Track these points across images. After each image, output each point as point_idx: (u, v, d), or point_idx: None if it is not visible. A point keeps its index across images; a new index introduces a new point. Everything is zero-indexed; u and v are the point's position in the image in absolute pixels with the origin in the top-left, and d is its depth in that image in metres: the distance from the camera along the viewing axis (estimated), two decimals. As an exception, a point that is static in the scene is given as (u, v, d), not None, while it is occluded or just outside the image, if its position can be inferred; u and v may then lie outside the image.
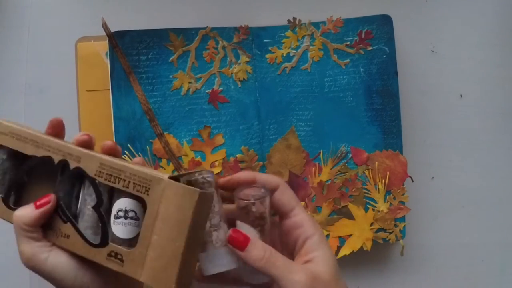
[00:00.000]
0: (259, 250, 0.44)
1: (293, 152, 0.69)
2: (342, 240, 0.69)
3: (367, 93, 0.69)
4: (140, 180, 0.42)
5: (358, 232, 0.69)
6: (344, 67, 0.69)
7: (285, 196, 0.47)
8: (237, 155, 0.68)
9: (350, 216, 0.69)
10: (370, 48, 0.69)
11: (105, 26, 0.64)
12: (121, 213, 0.43)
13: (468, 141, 0.74)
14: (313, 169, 0.69)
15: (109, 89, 0.65)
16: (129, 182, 0.42)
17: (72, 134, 0.68)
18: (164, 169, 0.66)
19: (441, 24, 0.72)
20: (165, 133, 0.66)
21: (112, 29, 0.65)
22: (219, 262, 0.45)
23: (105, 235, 0.43)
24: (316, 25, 0.69)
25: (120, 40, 0.65)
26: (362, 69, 0.69)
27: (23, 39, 0.71)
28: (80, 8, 0.71)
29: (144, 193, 0.42)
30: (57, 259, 0.43)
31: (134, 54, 0.66)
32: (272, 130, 0.69)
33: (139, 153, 0.66)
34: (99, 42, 0.67)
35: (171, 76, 0.67)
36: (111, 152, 0.46)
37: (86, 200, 0.44)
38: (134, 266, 0.41)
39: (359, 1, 0.72)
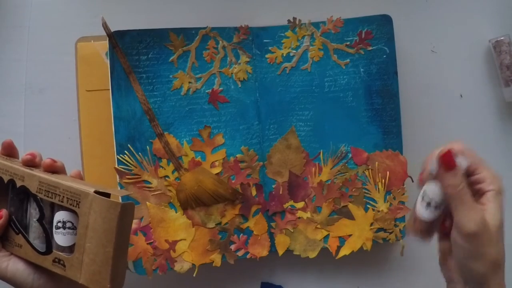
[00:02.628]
0: (457, 179, 0.47)
1: (293, 152, 0.69)
2: (342, 240, 0.69)
3: (367, 93, 0.69)
4: (71, 194, 0.48)
5: (358, 232, 0.69)
6: (344, 67, 0.69)
7: (471, 156, 0.50)
8: (237, 155, 0.68)
9: (350, 216, 0.69)
10: (370, 48, 0.69)
11: (105, 26, 0.64)
12: (60, 224, 0.49)
13: (468, 141, 0.74)
14: (313, 169, 0.69)
15: (109, 89, 0.65)
16: (63, 196, 0.49)
17: (72, 134, 0.68)
18: (164, 169, 0.66)
19: (441, 24, 0.72)
20: (165, 133, 0.66)
21: (112, 29, 0.65)
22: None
23: (49, 244, 0.50)
24: (316, 25, 0.69)
25: (120, 40, 0.65)
26: (362, 69, 0.69)
27: (23, 39, 0.71)
28: (80, 8, 0.71)
29: (75, 206, 0.48)
30: (15, 266, 0.51)
31: (134, 54, 0.66)
32: (272, 130, 0.69)
33: (139, 153, 0.66)
34: (99, 42, 0.67)
35: (171, 76, 0.67)
36: (51, 169, 0.52)
37: (32, 214, 0.51)
38: (74, 270, 0.48)
39: (359, 1, 0.72)
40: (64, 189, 0.49)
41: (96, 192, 0.48)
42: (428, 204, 0.50)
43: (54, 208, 0.50)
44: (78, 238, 0.48)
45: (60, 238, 0.50)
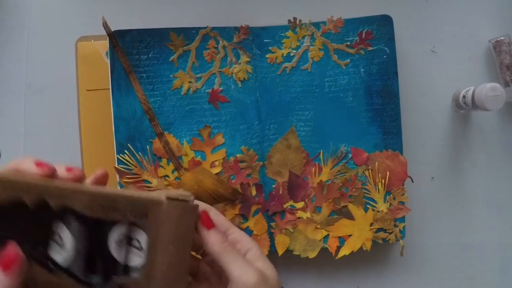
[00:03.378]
0: (219, 237, 0.45)
1: (293, 152, 0.69)
2: (342, 240, 0.69)
3: (367, 93, 0.69)
4: (136, 206, 0.40)
5: (358, 232, 0.69)
6: (344, 67, 0.69)
7: (220, 218, 0.48)
8: (237, 155, 0.68)
9: (350, 216, 0.69)
10: (370, 48, 0.69)
11: (105, 25, 0.64)
12: (123, 242, 0.40)
13: (468, 141, 0.74)
14: (313, 169, 0.69)
15: (109, 89, 0.65)
16: (125, 210, 0.40)
17: (72, 134, 0.68)
18: (164, 168, 0.66)
19: (441, 24, 0.72)
20: (165, 132, 0.66)
21: (113, 28, 0.65)
22: None
23: (107, 271, 0.40)
24: (316, 25, 0.69)
25: (121, 40, 0.65)
26: (362, 69, 0.69)
27: (23, 39, 0.71)
28: (80, 8, 0.71)
29: (142, 219, 0.40)
30: None
31: (135, 53, 0.66)
32: (272, 130, 0.69)
33: (139, 153, 0.66)
34: (99, 42, 0.67)
35: (171, 76, 0.67)
36: (101, 182, 0.45)
37: (77, 240, 0.40)
38: None
39: (360, 1, 0.72)
40: (127, 200, 0.40)
41: (169, 198, 0.40)
42: None
43: (104, 226, 0.40)
44: (148, 253, 0.40)
45: (127, 257, 0.41)
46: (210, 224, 0.46)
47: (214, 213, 0.48)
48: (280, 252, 0.68)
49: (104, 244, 0.40)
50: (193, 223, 0.42)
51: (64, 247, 0.39)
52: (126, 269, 0.40)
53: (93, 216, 0.39)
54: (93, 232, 0.40)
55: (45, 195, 0.39)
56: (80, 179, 0.42)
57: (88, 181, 0.44)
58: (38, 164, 0.40)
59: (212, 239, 0.45)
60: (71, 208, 0.39)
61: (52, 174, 0.40)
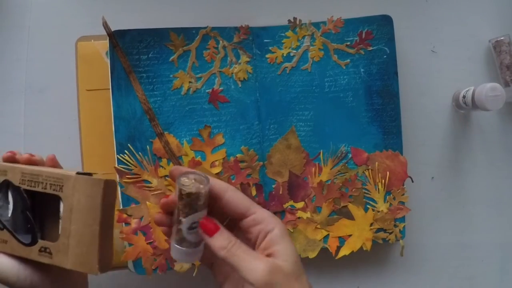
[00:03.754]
0: (224, 240, 0.46)
1: (293, 152, 0.69)
2: (342, 240, 0.69)
3: (367, 93, 0.69)
4: (54, 180, 0.49)
5: (358, 232, 0.69)
6: (344, 67, 0.69)
7: (238, 195, 0.48)
8: (237, 155, 0.68)
9: (350, 216, 0.69)
10: (370, 48, 0.69)
11: (105, 25, 0.64)
12: (195, 225, 0.47)
13: (468, 141, 0.74)
14: (313, 169, 0.69)
15: (109, 89, 0.65)
16: (46, 183, 0.50)
17: (72, 134, 0.68)
18: (164, 168, 0.66)
19: (441, 24, 0.72)
20: (165, 132, 0.66)
21: (113, 28, 0.65)
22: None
23: (34, 234, 0.50)
24: (316, 25, 0.69)
25: (121, 39, 0.65)
26: (362, 69, 0.69)
27: (23, 39, 0.71)
28: (80, 8, 0.71)
29: (59, 191, 0.49)
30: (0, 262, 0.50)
31: (135, 53, 0.66)
32: (272, 130, 0.69)
33: (139, 153, 0.66)
34: (99, 41, 0.67)
35: (171, 76, 0.67)
36: (30, 162, 0.53)
37: (15, 206, 0.51)
38: (60, 257, 0.48)
39: (360, 1, 0.72)
40: (46, 176, 0.50)
41: (78, 173, 0.49)
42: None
43: (35, 197, 0.51)
44: (63, 222, 0.48)
45: (194, 237, 0.47)
46: (211, 231, 0.46)
47: (231, 193, 0.47)
48: (280, 252, 0.68)
49: (37, 211, 0.51)
50: (104, 198, 0.48)
51: (7, 211, 0.51)
52: (49, 234, 0.51)
53: (24, 188, 0.50)
54: (27, 201, 0.51)
55: None
56: (35, 162, 0.54)
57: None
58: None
59: (217, 246, 0.45)
60: (10, 181, 0.51)
61: (13, 158, 0.53)
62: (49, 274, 0.51)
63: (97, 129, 0.67)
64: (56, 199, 0.50)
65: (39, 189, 0.50)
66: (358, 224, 0.69)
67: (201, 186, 0.46)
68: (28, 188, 0.50)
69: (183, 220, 0.46)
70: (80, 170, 0.51)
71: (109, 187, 0.49)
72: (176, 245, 0.47)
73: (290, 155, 0.69)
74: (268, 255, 0.46)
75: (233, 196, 0.47)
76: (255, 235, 0.47)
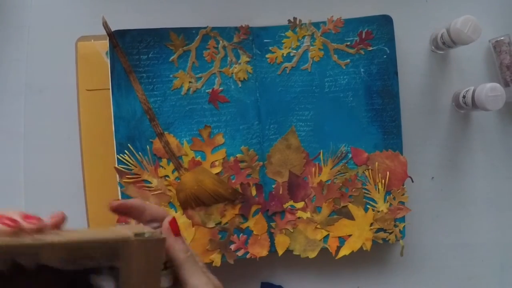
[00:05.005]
0: (186, 244, 0.45)
1: (293, 152, 0.69)
2: (342, 240, 0.69)
3: (367, 93, 0.69)
4: (105, 249, 0.37)
5: (358, 232, 0.69)
6: (344, 67, 0.69)
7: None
8: (237, 155, 0.68)
9: (350, 216, 0.69)
10: (370, 48, 0.69)
11: (105, 25, 0.64)
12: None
13: (468, 141, 0.74)
14: (313, 169, 0.69)
15: (109, 89, 0.65)
16: (97, 257, 0.37)
17: (72, 134, 0.68)
18: (164, 168, 0.66)
19: (441, 24, 0.72)
20: (165, 132, 0.66)
21: (113, 28, 0.65)
22: None
23: None
24: (316, 25, 0.69)
25: (121, 39, 0.65)
26: (362, 69, 0.69)
27: (23, 39, 0.71)
28: (80, 8, 0.71)
29: (114, 261, 0.38)
30: None
31: (135, 53, 0.66)
32: (272, 130, 0.69)
33: (139, 153, 0.66)
34: (99, 41, 0.67)
35: (171, 76, 0.67)
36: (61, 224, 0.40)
37: None
38: None
39: (360, 1, 0.72)
40: (96, 245, 0.37)
41: (136, 235, 0.39)
42: None
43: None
44: None
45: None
46: (178, 231, 0.46)
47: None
48: (280, 252, 0.68)
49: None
50: (161, 255, 0.41)
51: None
52: None
53: (68, 269, 0.36)
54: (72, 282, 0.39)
55: (15, 256, 0.34)
56: (42, 228, 0.37)
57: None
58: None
59: (179, 247, 0.45)
60: (45, 264, 0.35)
61: (17, 227, 0.35)
62: None
63: (97, 129, 0.67)
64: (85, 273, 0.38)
65: (92, 264, 0.37)
66: (358, 224, 0.69)
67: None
68: (74, 268, 0.36)
69: None
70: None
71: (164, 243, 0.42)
72: None
73: (290, 155, 0.69)
74: None
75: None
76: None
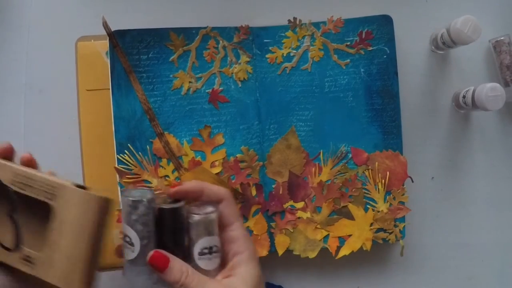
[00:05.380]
0: (176, 274, 0.46)
1: (293, 152, 0.69)
2: (342, 240, 0.69)
3: (367, 93, 0.69)
4: (48, 187, 0.46)
5: (358, 232, 0.69)
6: (344, 67, 0.69)
7: (228, 210, 0.50)
8: (237, 155, 0.68)
9: (350, 216, 0.69)
10: (370, 48, 0.69)
11: (105, 25, 0.64)
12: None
13: (468, 141, 0.74)
14: (313, 169, 0.69)
15: (109, 89, 0.65)
16: (39, 189, 0.47)
17: (72, 134, 0.68)
18: (164, 168, 0.66)
19: (441, 24, 0.72)
20: (165, 132, 0.66)
21: (113, 28, 0.65)
22: None
23: (18, 240, 0.47)
24: (316, 25, 0.69)
25: (121, 39, 0.65)
26: (362, 69, 0.69)
27: (23, 39, 0.71)
28: (80, 8, 0.71)
29: (51, 200, 0.46)
30: None
31: (135, 53, 0.66)
32: (272, 130, 0.69)
33: (139, 153, 0.66)
34: (99, 41, 0.67)
35: (171, 76, 0.67)
36: (29, 164, 0.50)
37: (2, 207, 0.48)
38: (44, 269, 0.46)
39: (360, 1, 0.72)
40: (40, 181, 0.47)
41: (75, 185, 0.47)
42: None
43: (28, 202, 0.48)
44: (52, 234, 0.46)
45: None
46: (160, 268, 0.46)
47: (224, 204, 0.49)
48: (280, 252, 0.68)
49: (23, 216, 0.48)
50: (99, 216, 0.46)
51: None
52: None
53: (15, 191, 0.47)
54: (15, 204, 0.48)
55: None
56: (33, 164, 0.51)
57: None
58: None
59: (171, 281, 0.46)
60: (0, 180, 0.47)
61: (10, 152, 0.50)
62: (24, 284, 0.49)
63: (97, 129, 0.67)
64: (45, 207, 0.47)
65: (30, 193, 0.47)
66: (358, 224, 0.69)
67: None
68: (19, 190, 0.47)
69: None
70: (81, 180, 0.49)
71: (105, 205, 0.47)
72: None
73: (290, 155, 0.69)
74: (229, 276, 0.48)
75: (223, 209, 0.49)
76: (226, 251, 0.49)
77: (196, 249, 0.49)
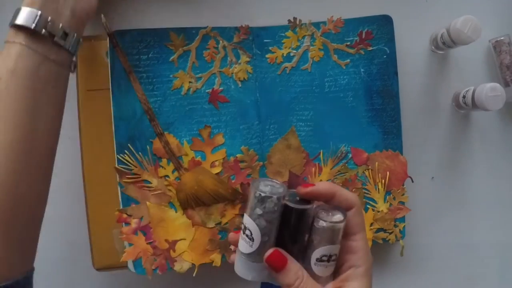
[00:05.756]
0: (292, 276, 0.45)
1: (293, 152, 0.69)
2: (342, 240, 0.68)
3: (367, 93, 0.69)
4: None
5: (358, 232, 0.69)
6: (344, 67, 0.69)
7: (356, 218, 0.47)
8: (237, 155, 0.68)
9: (350, 216, 0.69)
10: (370, 48, 0.69)
11: (105, 25, 0.64)
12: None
13: (468, 141, 0.74)
14: (313, 169, 0.69)
15: (109, 89, 0.65)
16: None
17: (72, 134, 0.68)
18: (164, 168, 0.66)
19: (441, 24, 0.72)
20: (165, 132, 0.66)
21: (113, 28, 0.65)
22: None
23: None
24: (316, 25, 0.69)
25: (121, 39, 0.65)
26: (362, 69, 0.69)
27: (23, 39, 0.71)
28: (80, 8, 0.71)
29: None
30: None
31: (135, 53, 0.66)
32: (272, 130, 0.69)
33: (139, 153, 0.66)
34: (99, 41, 0.67)
35: (171, 76, 0.67)
36: None
37: None
38: None
39: (360, 1, 0.72)
40: None
41: None
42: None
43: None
44: None
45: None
46: (277, 268, 0.45)
47: (353, 212, 0.47)
48: (280, 252, 0.68)
49: None
50: None
51: None
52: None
53: None
54: None
55: None
56: None
57: None
58: None
59: (284, 283, 0.45)
60: None
61: None
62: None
63: (97, 129, 0.67)
64: None
65: None
66: (358, 224, 0.69)
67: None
68: None
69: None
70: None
71: None
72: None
73: (290, 155, 0.69)
74: (341, 287, 0.46)
75: (351, 217, 0.47)
76: (343, 260, 0.47)
77: (316, 255, 0.47)
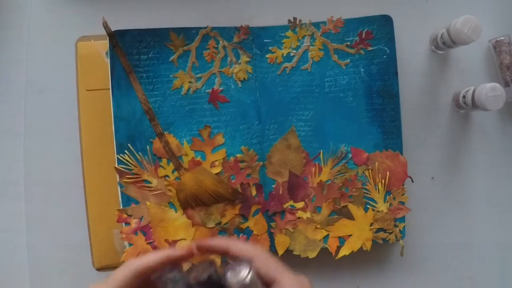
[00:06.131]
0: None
1: (293, 152, 0.69)
2: (342, 240, 0.69)
3: (367, 93, 0.69)
4: None
5: (358, 232, 0.69)
6: (344, 67, 0.69)
7: (264, 267, 0.46)
8: (237, 155, 0.68)
9: (350, 216, 0.69)
10: (370, 48, 0.69)
11: (105, 25, 0.64)
12: None
13: (468, 141, 0.74)
14: (313, 169, 0.69)
15: (109, 89, 0.65)
16: None
17: (72, 134, 0.68)
18: (164, 168, 0.66)
19: (441, 24, 0.72)
20: (165, 132, 0.66)
21: (113, 28, 0.65)
22: None
23: None
24: (316, 25, 0.69)
25: (121, 39, 0.65)
26: (362, 69, 0.69)
27: (23, 39, 0.71)
28: (80, 8, 0.71)
29: None
30: None
31: (135, 53, 0.66)
32: (272, 130, 0.69)
33: (139, 153, 0.66)
34: (99, 41, 0.67)
35: (171, 76, 0.67)
36: None
37: None
38: None
39: (360, 1, 0.72)
40: None
41: None
42: None
43: None
44: None
45: None
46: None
47: (258, 262, 0.45)
48: (280, 252, 0.68)
49: None
50: None
51: None
52: None
53: None
54: None
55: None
56: None
57: None
58: None
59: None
60: None
61: None
62: None
63: (97, 129, 0.67)
64: None
65: None
66: (358, 224, 0.69)
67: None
68: None
69: None
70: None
71: None
72: None
73: (290, 155, 0.69)
74: None
75: (258, 268, 0.45)
76: None
77: None
